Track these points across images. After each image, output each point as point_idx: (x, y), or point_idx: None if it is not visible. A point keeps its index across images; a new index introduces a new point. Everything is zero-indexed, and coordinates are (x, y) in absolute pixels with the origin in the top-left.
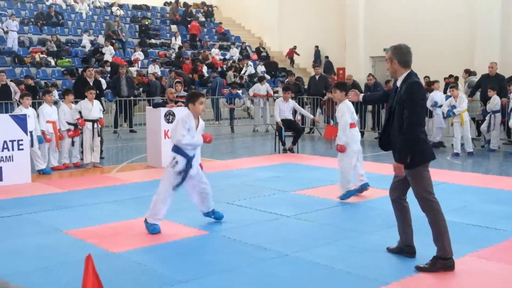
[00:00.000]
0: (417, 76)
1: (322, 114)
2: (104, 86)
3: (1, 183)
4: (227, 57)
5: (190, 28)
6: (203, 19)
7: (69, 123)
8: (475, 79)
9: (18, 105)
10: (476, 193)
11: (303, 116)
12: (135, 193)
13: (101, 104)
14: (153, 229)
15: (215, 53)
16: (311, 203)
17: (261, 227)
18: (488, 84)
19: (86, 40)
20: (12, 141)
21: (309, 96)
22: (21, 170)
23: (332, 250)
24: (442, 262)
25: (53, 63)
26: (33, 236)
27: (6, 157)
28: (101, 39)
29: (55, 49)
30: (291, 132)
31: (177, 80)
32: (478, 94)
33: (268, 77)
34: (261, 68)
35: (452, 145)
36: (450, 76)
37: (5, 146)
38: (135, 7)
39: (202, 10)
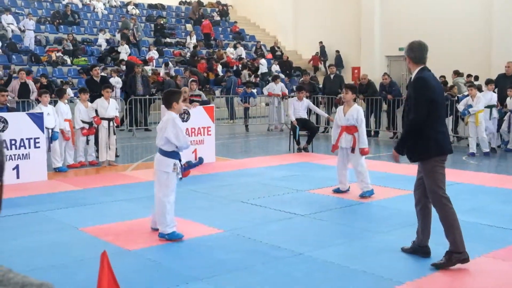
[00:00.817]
0: (429, 71)
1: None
2: (119, 85)
3: (17, 181)
4: (235, 55)
5: (202, 27)
6: (218, 18)
7: (84, 122)
8: (463, 80)
9: (37, 103)
10: (492, 194)
11: (317, 115)
12: (149, 191)
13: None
14: (176, 236)
15: (230, 52)
16: (326, 202)
17: (275, 226)
18: (505, 83)
19: (101, 39)
20: (29, 139)
21: (324, 96)
22: (37, 168)
23: (347, 249)
24: (457, 256)
25: (69, 62)
26: (49, 233)
27: (22, 155)
28: (117, 37)
29: (71, 48)
30: (305, 132)
31: (193, 79)
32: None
33: (282, 76)
34: (275, 67)
35: (468, 145)
36: (469, 75)
37: (22, 144)
38: (151, 6)
39: (217, 9)
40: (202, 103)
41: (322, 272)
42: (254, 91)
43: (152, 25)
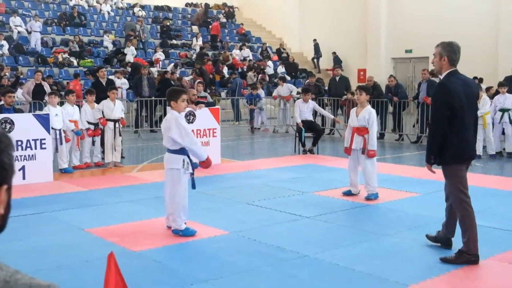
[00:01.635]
0: (462, 76)
1: (343, 115)
2: (125, 86)
3: (24, 182)
4: (240, 57)
5: (211, 29)
6: (224, 20)
7: (89, 123)
8: (437, 80)
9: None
10: (498, 196)
11: (323, 117)
12: (155, 193)
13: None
14: (190, 232)
15: (236, 54)
16: (331, 204)
17: (281, 227)
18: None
19: (107, 42)
20: (35, 140)
21: (329, 98)
22: (44, 169)
23: (352, 251)
24: (467, 256)
25: (75, 63)
26: (55, 234)
27: (29, 155)
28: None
29: (77, 49)
30: (311, 133)
31: (199, 80)
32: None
33: (288, 78)
34: (281, 69)
35: None
36: (474, 78)
37: (28, 145)
38: (157, 8)
39: (223, 11)
40: (208, 104)
41: (328, 274)
42: (261, 92)
43: (159, 27)
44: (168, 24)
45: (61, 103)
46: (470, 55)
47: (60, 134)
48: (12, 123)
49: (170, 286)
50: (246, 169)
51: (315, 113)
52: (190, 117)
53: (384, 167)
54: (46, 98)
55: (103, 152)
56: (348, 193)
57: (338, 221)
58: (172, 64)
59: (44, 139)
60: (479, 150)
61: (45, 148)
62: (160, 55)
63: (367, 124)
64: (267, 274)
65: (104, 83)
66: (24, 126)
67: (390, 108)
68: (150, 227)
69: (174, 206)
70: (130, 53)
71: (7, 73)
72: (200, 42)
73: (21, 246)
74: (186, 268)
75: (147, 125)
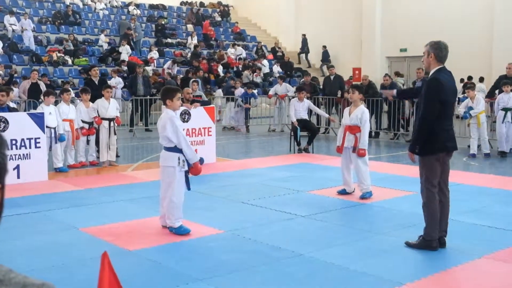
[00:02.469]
0: (448, 72)
1: (337, 114)
2: (120, 85)
3: (18, 181)
4: (234, 56)
5: (203, 28)
6: (219, 18)
7: (84, 122)
8: (402, 80)
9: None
10: (493, 195)
11: (318, 116)
12: (150, 192)
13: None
14: (184, 230)
15: (231, 53)
16: (326, 203)
17: (276, 226)
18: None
19: (102, 41)
20: (29, 139)
21: (324, 96)
22: (38, 168)
23: (347, 250)
24: (425, 242)
25: (70, 62)
26: (50, 233)
27: (23, 155)
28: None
29: (72, 48)
30: (306, 132)
31: (194, 79)
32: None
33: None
34: (277, 68)
35: (469, 146)
36: (480, 78)
37: (23, 144)
38: (152, 6)
39: (218, 10)
40: (203, 103)
41: (323, 273)
42: (255, 91)
43: (153, 26)
44: (163, 22)
45: (56, 102)
46: (464, 53)
47: (55, 133)
48: (6, 122)
49: (165, 285)
50: (241, 168)
51: (310, 112)
52: (185, 116)
53: (379, 166)
54: (43, 97)
55: (98, 151)
56: (343, 192)
57: (333, 220)
58: (170, 61)
59: (39, 138)
60: (474, 149)
61: (39, 147)
62: (154, 53)
63: (359, 123)
64: (262, 273)
65: (96, 82)
66: (19, 125)
67: (385, 107)
68: (145, 226)
69: (169, 203)
70: (125, 51)
71: (1, 72)
72: (195, 41)
73: (16, 245)
74: (181, 267)
75: (142, 123)
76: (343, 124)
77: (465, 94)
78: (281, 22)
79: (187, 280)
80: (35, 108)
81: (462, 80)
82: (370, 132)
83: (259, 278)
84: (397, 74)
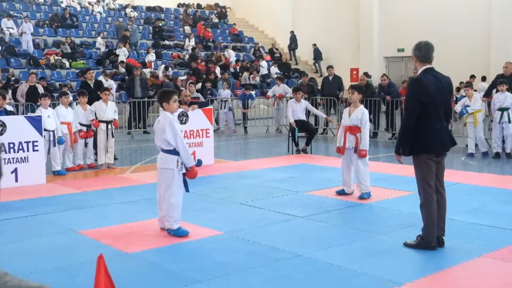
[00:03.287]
0: (436, 73)
1: (336, 114)
2: (114, 87)
3: (16, 184)
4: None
5: (197, 30)
6: (216, 20)
7: (82, 124)
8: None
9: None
10: (491, 194)
11: (316, 117)
12: (149, 194)
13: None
14: (182, 232)
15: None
16: (325, 203)
17: (275, 227)
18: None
19: (101, 42)
20: (27, 142)
21: (322, 97)
22: (36, 171)
23: (346, 251)
24: (424, 242)
25: (67, 65)
26: (48, 236)
27: (21, 158)
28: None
29: (69, 51)
30: (304, 133)
31: (191, 81)
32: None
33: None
34: (274, 69)
35: (467, 145)
36: (472, 76)
37: (20, 147)
38: (149, 8)
39: (215, 12)
40: (201, 105)
41: (322, 274)
42: (253, 93)
43: (151, 28)
44: (160, 24)
45: (54, 105)
46: (462, 52)
47: (53, 136)
48: (4, 125)
49: (164, 287)
50: (240, 169)
51: (308, 112)
52: (183, 118)
53: (377, 166)
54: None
55: (96, 153)
56: (341, 193)
57: (332, 221)
58: (163, 66)
59: (37, 141)
60: (471, 149)
61: (37, 150)
62: (152, 56)
63: (359, 124)
64: (261, 274)
65: (91, 85)
66: (16, 128)
67: (383, 107)
68: (143, 229)
69: (168, 205)
70: (122, 54)
71: None
72: (192, 42)
73: (14, 248)
74: (180, 269)
75: (141, 126)
76: (343, 124)
77: (463, 93)
78: (278, 23)
79: (186, 282)
80: (33, 111)
81: (461, 83)
82: (369, 132)
83: (258, 279)
84: (366, 74)
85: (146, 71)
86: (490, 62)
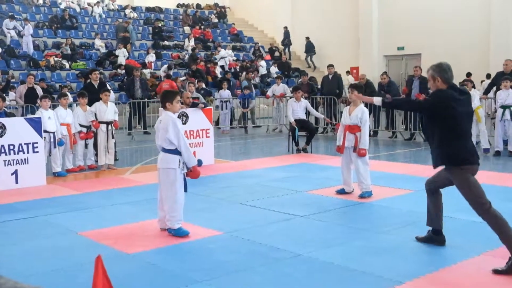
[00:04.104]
0: (457, 88)
1: (337, 113)
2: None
3: (16, 186)
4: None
5: (194, 33)
6: (216, 20)
7: (81, 125)
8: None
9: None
10: (492, 191)
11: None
12: (149, 195)
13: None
14: (182, 232)
15: (228, 54)
16: (325, 203)
17: (275, 227)
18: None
19: (99, 43)
20: (27, 144)
21: (322, 96)
22: (36, 173)
23: (346, 250)
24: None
25: (67, 66)
26: (49, 237)
27: (21, 159)
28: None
29: (69, 52)
30: (304, 132)
31: (190, 81)
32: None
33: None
34: (274, 69)
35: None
36: (469, 74)
37: (21, 149)
38: (148, 9)
39: (215, 11)
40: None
41: (322, 273)
42: (253, 92)
43: (150, 28)
44: (159, 25)
45: (54, 107)
46: (462, 48)
47: (54, 137)
48: (4, 127)
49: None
50: (240, 169)
51: (308, 112)
52: (183, 118)
53: (378, 165)
54: (39, 101)
55: (96, 154)
56: (341, 192)
57: (332, 220)
58: (166, 65)
59: (37, 142)
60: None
61: (37, 152)
62: (151, 56)
63: (359, 123)
64: (262, 274)
65: (96, 86)
66: (16, 130)
67: None
68: (144, 229)
69: (172, 205)
70: (122, 55)
71: None
72: (192, 42)
73: (15, 250)
74: (180, 269)
75: (140, 126)
76: (343, 123)
77: None
78: (277, 23)
79: (186, 282)
80: (32, 113)
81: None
82: (369, 131)
83: (259, 278)
84: (348, 73)
85: (146, 71)
86: (490, 59)
